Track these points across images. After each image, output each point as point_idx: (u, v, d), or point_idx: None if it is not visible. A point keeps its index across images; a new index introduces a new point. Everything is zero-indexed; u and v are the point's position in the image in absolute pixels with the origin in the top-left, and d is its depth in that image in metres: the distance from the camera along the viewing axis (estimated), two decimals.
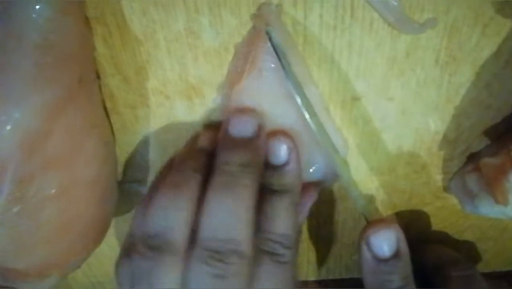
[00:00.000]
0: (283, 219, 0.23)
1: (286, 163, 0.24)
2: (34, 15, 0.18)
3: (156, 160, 0.29)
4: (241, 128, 0.23)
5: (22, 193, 0.21)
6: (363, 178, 0.29)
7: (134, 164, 0.29)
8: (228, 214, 0.21)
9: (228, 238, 0.21)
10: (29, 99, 0.19)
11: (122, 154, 0.29)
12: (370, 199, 0.31)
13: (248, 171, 0.22)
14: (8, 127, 0.19)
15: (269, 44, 0.23)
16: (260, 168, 0.23)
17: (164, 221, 0.21)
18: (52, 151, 0.20)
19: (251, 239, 0.21)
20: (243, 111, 0.24)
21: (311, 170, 0.27)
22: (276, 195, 0.24)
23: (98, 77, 0.25)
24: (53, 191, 0.21)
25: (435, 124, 0.27)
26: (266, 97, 0.24)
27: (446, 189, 0.30)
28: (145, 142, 0.28)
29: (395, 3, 0.22)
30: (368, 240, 0.25)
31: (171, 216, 0.21)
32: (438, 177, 0.29)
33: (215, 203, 0.21)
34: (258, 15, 0.22)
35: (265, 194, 0.23)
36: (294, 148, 0.24)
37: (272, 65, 0.24)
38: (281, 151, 0.24)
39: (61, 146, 0.21)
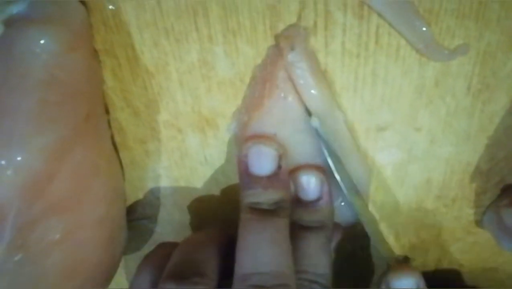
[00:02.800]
0: (320, 257, 0.22)
1: (318, 198, 0.23)
2: (38, 50, 0.17)
3: (167, 196, 0.28)
4: (262, 166, 0.22)
5: (24, 240, 0.19)
6: (389, 213, 0.28)
7: (144, 201, 0.28)
8: (269, 245, 0.20)
9: (273, 271, 0.19)
10: (32, 140, 0.17)
11: (132, 190, 0.27)
12: (395, 235, 0.29)
13: (281, 206, 0.21)
14: (9, 172, 0.17)
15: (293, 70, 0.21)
16: (290, 200, 0.22)
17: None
18: (56, 194, 0.19)
19: (294, 274, 0.20)
20: (260, 144, 0.22)
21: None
22: (310, 232, 0.23)
23: (107, 111, 0.24)
24: (58, 236, 0.20)
25: (467, 155, 0.25)
26: (288, 123, 0.23)
27: (478, 223, 0.28)
28: (155, 178, 0.27)
29: (424, 29, 0.20)
30: (389, 285, 0.24)
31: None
32: (470, 211, 0.27)
33: (252, 236, 0.20)
34: (285, 36, 0.21)
35: (297, 231, 0.22)
36: (325, 180, 0.23)
37: (294, 89, 0.22)
38: (312, 186, 0.23)
39: (66, 189, 0.19)
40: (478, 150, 0.25)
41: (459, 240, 0.29)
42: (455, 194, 0.27)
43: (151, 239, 0.30)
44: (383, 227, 0.28)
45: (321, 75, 0.22)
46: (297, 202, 0.23)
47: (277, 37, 0.21)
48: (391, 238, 0.29)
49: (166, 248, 0.24)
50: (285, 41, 0.21)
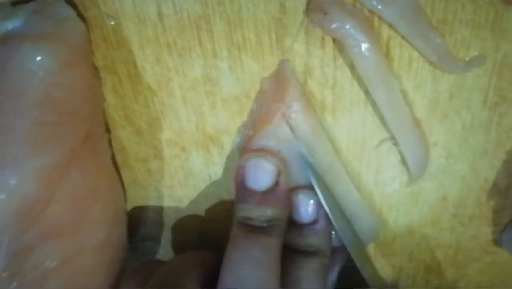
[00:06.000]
0: (311, 284, 0.21)
1: (314, 221, 0.22)
2: (34, 68, 0.16)
3: (170, 216, 0.27)
4: (258, 180, 0.21)
5: (19, 267, 0.18)
6: (402, 232, 0.26)
7: (146, 221, 0.27)
8: (254, 266, 0.19)
9: None
10: (26, 163, 0.16)
11: (134, 211, 0.27)
12: (409, 256, 0.27)
13: (273, 224, 0.21)
14: (2, 196, 0.16)
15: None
16: (284, 219, 0.21)
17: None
18: (53, 219, 0.18)
19: None
20: (258, 158, 0.21)
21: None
22: (303, 256, 0.22)
23: (108, 130, 0.23)
24: (55, 262, 0.19)
25: (484, 171, 0.24)
26: (294, 142, 0.22)
27: (497, 242, 0.27)
28: (158, 198, 0.26)
29: (438, 40, 0.19)
30: None
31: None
32: (488, 230, 0.26)
33: (237, 254, 0.19)
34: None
35: (290, 255, 0.21)
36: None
37: (305, 107, 0.21)
38: (308, 208, 0.22)
39: (64, 213, 0.18)
40: (495, 166, 0.24)
41: (476, 260, 0.28)
42: (472, 212, 0.26)
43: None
44: (396, 247, 0.27)
45: (375, 37, 0.20)
46: (292, 224, 0.22)
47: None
48: (404, 259, 0.28)
49: (151, 267, 0.23)
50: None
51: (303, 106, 0.21)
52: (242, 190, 0.21)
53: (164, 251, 0.29)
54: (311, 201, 0.22)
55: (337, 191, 0.23)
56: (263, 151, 0.21)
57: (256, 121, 0.22)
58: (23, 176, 0.16)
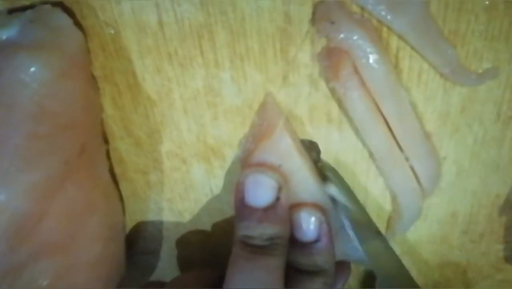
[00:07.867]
0: None
1: (316, 240, 0.21)
2: (27, 79, 0.15)
3: (170, 230, 0.27)
4: (258, 196, 0.20)
5: (9, 287, 0.17)
6: (411, 249, 0.26)
7: (145, 235, 0.27)
8: (260, 287, 0.19)
9: None
10: (18, 178, 0.16)
11: (132, 224, 0.26)
12: (418, 273, 0.27)
13: (276, 242, 0.20)
14: None
15: None
16: (286, 236, 0.21)
17: None
18: (46, 235, 0.17)
19: None
20: (258, 173, 0.21)
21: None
22: (306, 276, 0.21)
23: (106, 141, 0.22)
24: (47, 281, 0.18)
25: (496, 186, 0.23)
26: (296, 156, 0.21)
27: (508, 260, 0.27)
28: (158, 210, 0.26)
29: (450, 52, 0.19)
30: None
31: None
32: (499, 247, 0.26)
33: (240, 276, 0.19)
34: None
35: (292, 274, 0.21)
36: (325, 221, 0.21)
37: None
38: (310, 226, 0.21)
39: (57, 229, 0.17)
40: (508, 182, 0.23)
41: (486, 277, 0.27)
42: (483, 228, 0.25)
43: (153, 276, 0.28)
44: (405, 263, 0.26)
45: (383, 48, 0.20)
46: (294, 242, 0.21)
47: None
48: (413, 275, 0.27)
49: (154, 287, 0.22)
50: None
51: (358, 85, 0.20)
52: (242, 207, 0.20)
53: (164, 266, 0.28)
54: (313, 218, 0.21)
55: (395, 179, 0.22)
56: (263, 166, 0.21)
57: (257, 135, 0.22)
58: (14, 192, 0.16)
